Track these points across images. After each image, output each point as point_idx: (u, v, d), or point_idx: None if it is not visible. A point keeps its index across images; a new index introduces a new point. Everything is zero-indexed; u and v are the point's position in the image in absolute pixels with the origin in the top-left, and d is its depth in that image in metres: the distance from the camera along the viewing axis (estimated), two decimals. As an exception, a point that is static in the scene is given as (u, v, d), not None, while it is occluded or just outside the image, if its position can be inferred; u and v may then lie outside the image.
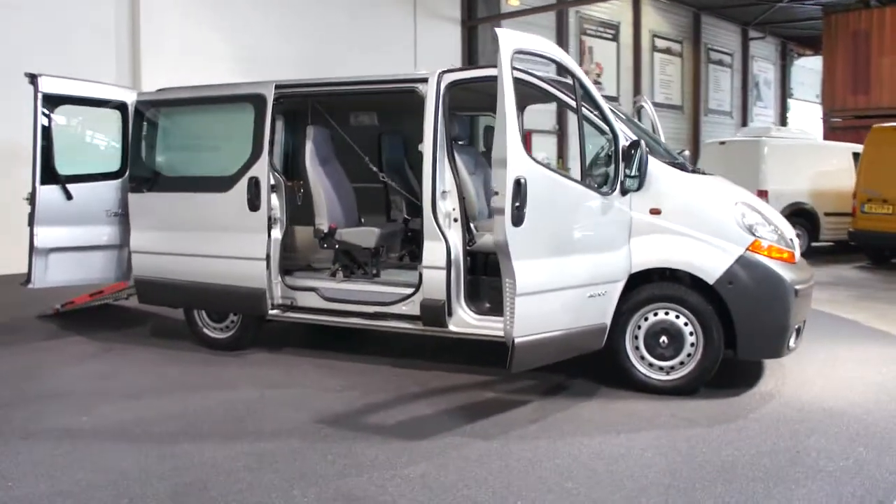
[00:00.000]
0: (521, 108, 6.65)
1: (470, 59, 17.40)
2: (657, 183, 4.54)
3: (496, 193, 3.76)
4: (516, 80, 4.87)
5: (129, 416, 4.32)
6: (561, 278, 4.08)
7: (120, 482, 3.38)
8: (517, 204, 3.73)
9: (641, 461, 3.59)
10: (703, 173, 5.61)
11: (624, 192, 4.45)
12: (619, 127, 4.46)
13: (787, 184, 11.46)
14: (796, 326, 4.58)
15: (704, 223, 4.50)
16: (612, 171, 4.45)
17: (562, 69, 4.32)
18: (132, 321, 6.87)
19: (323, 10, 13.91)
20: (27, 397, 4.66)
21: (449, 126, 5.05)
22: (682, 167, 4.81)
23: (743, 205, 4.58)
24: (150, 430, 4.09)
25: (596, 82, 20.63)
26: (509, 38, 3.84)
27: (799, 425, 4.06)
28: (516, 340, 3.84)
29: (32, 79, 5.49)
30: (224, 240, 5.53)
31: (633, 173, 4.37)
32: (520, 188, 3.73)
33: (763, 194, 11.31)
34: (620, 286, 4.51)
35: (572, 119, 20.02)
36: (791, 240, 4.78)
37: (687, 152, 6.35)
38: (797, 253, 4.97)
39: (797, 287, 4.46)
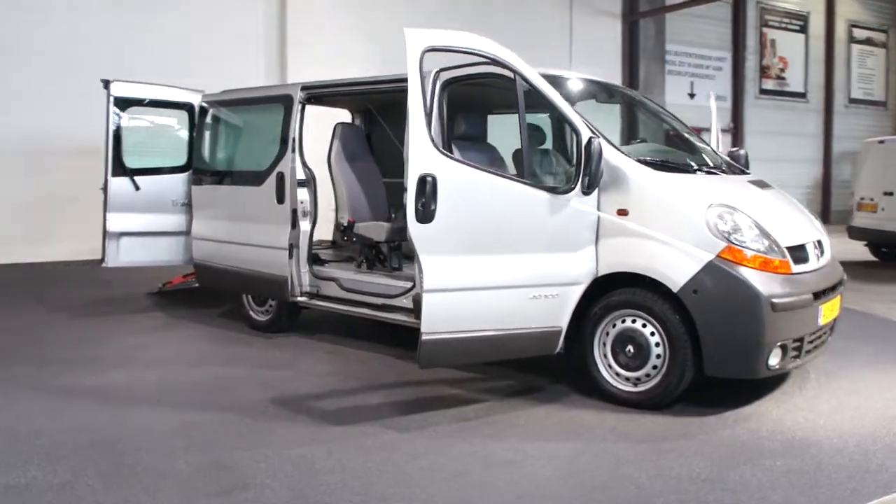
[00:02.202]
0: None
1: (631, 55, 16.83)
2: (626, 182, 4.26)
3: (406, 190, 3.78)
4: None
5: (124, 381, 4.86)
6: (487, 277, 3.98)
7: (58, 432, 3.87)
8: (423, 201, 3.72)
9: (518, 470, 3.43)
10: (741, 172, 5.19)
11: (586, 191, 4.22)
12: (580, 123, 4.24)
13: (955, 190, 9.89)
14: (780, 344, 4.07)
15: (672, 226, 4.15)
16: (574, 169, 4.26)
17: (495, 63, 4.16)
18: (217, 301, 7.57)
19: (470, 9, 14.17)
20: (67, 359, 5.39)
21: (448, 124, 5.07)
22: (658, 166, 4.42)
23: (720, 207, 4.15)
24: (129, 394, 4.60)
25: (779, 77, 19.08)
26: (418, 38, 3.81)
27: (740, 454, 3.62)
28: (423, 337, 3.83)
29: (106, 84, 6.32)
30: (257, 230, 5.99)
31: (584, 172, 4.13)
32: (425, 186, 3.71)
33: (922, 201, 9.91)
34: (580, 289, 4.29)
35: (750, 115, 18.65)
36: (789, 248, 4.26)
37: (743, 151, 5.84)
38: (813, 262, 4.43)
39: (775, 300, 3.97)
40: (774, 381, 4.73)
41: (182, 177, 6.68)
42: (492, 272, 4.00)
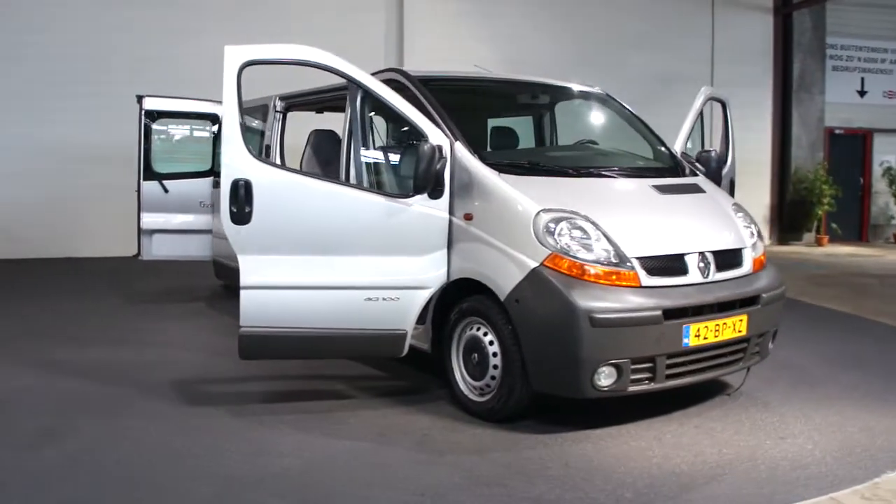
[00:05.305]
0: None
1: (784, 51, 15.43)
2: (472, 186, 4.21)
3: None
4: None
5: (92, 357, 5.51)
6: (312, 278, 4.10)
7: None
8: (237, 204, 3.96)
9: (267, 463, 3.59)
10: (692, 174, 4.92)
11: (428, 194, 4.21)
12: (426, 126, 4.23)
13: None
14: (612, 363, 3.78)
15: (504, 231, 4.04)
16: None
17: (328, 71, 4.25)
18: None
19: (601, 9, 13.79)
20: (73, 337, 6.20)
21: (372, 129, 5.24)
22: (508, 168, 4.28)
23: (557, 213, 3.92)
24: (72, 367, 5.17)
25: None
26: (236, 53, 4.02)
27: (495, 476, 3.44)
28: (240, 330, 4.09)
29: (139, 99, 7.23)
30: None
31: (420, 176, 4.13)
32: (238, 190, 3.96)
33: None
34: (426, 294, 4.28)
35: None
36: (649, 258, 3.94)
37: (714, 153, 5.40)
38: (694, 276, 4.06)
39: (597, 315, 3.70)
40: (686, 401, 4.43)
41: (208, 180, 7.44)
42: (318, 273, 4.13)
